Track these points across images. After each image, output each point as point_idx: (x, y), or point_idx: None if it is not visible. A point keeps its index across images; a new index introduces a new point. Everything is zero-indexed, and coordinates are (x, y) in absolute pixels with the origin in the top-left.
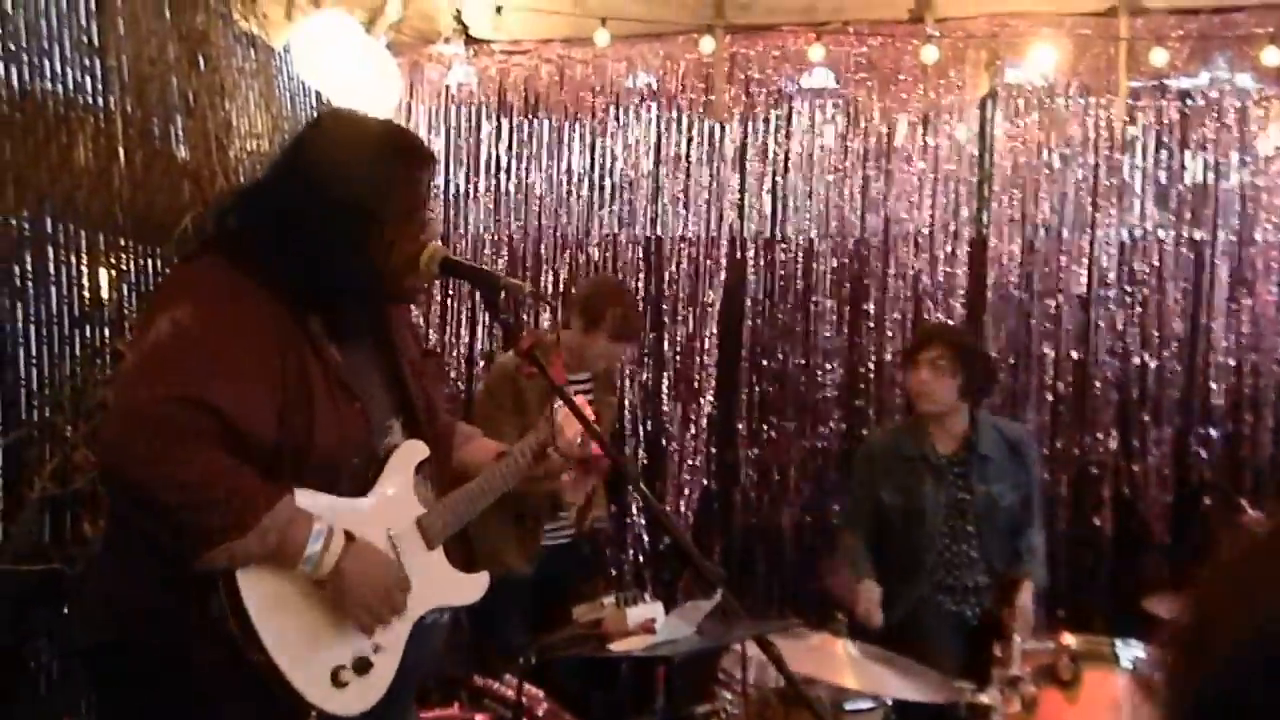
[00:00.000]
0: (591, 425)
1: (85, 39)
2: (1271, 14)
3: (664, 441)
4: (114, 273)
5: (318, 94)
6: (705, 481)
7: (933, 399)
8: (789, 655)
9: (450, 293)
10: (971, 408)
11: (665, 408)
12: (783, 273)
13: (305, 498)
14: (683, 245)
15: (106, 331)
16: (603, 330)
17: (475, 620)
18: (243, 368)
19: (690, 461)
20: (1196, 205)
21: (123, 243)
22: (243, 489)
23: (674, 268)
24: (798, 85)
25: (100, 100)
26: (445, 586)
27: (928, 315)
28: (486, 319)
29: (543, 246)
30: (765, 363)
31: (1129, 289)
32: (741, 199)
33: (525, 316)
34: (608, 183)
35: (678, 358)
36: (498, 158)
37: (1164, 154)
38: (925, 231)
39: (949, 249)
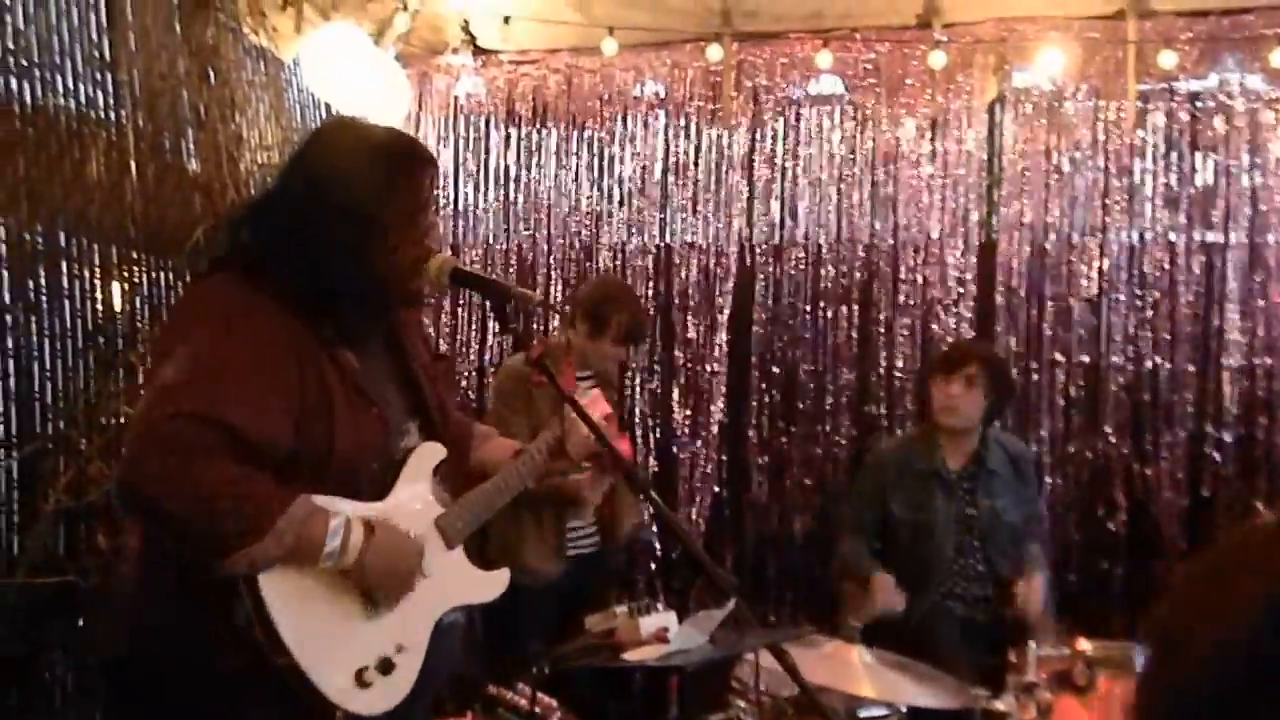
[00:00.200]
0: (601, 430)
1: (97, 54)
2: None
3: (674, 449)
4: (126, 286)
5: (327, 106)
6: (716, 489)
7: (961, 415)
8: (802, 663)
9: (460, 303)
10: (985, 425)
11: (675, 415)
12: (792, 279)
13: (325, 502)
14: (692, 253)
15: (120, 344)
16: (608, 335)
17: (497, 626)
18: (256, 382)
19: (701, 469)
20: (1207, 207)
21: (135, 256)
22: (255, 495)
23: (683, 275)
24: (805, 92)
25: (112, 114)
26: (466, 585)
27: (938, 321)
28: (496, 328)
29: (552, 256)
30: (775, 369)
31: (1140, 292)
32: (750, 206)
33: (535, 325)
34: (616, 191)
35: (687, 365)
36: (506, 167)
37: (1174, 156)
38: (934, 237)
39: (959, 254)
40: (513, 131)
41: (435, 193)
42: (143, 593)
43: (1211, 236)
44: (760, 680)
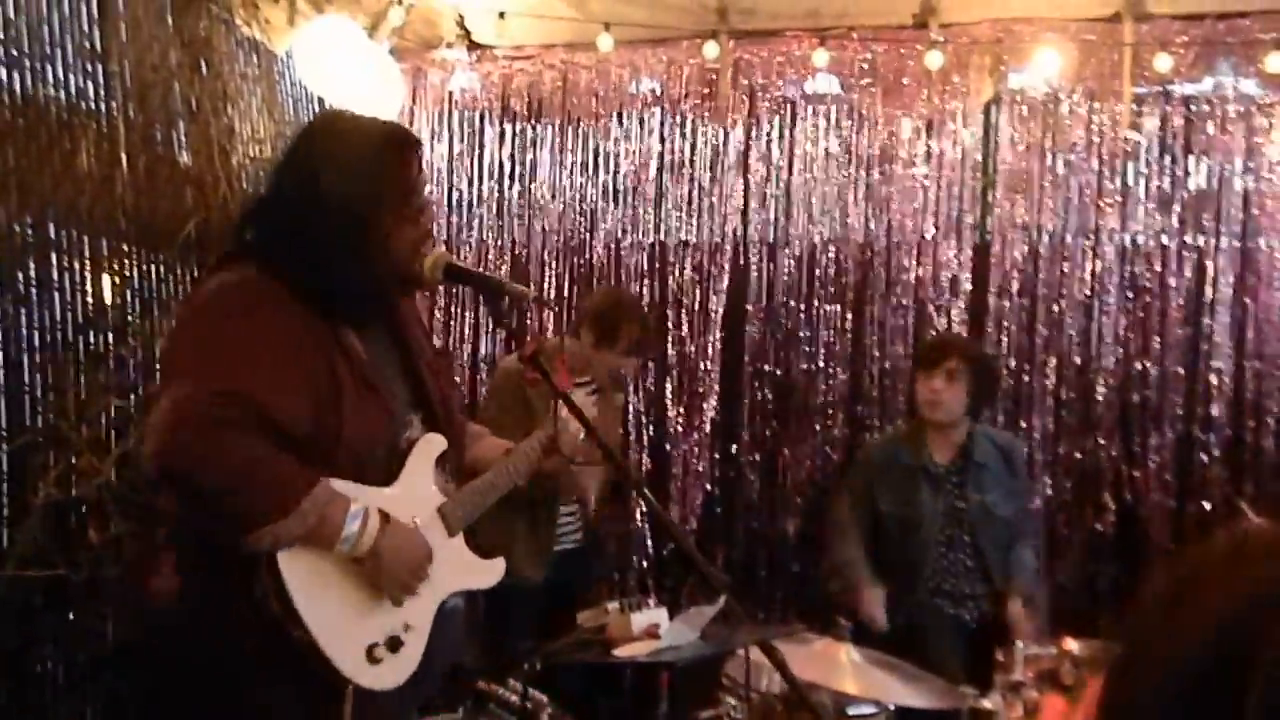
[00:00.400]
0: (594, 427)
1: (88, 45)
2: (1276, 20)
3: (667, 447)
4: (117, 279)
5: (320, 99)
6: (708, 487)
7: (943, 409)
8: (792, 660)
9: (454, 298)
10: (971, 419)
11: (669, 413)
12: (786, 278)
13: (343, 488)
14: (686, 251)
15: (110, 337)
16: (619, 346)
17: (486, 623)
18: (276, 365)
19: (693, 467)
20: (1200, 211)
21: (125, 249)
22: (282, 474)
23: (678, 273)
24: (801, 90)
25: (103, 106)
26: (466, 571)
27: (931, 320)
28: (490, 324)
29: (546, 252)
30: (768, 368)
31: (1131, 294)
32: (745, 204)
33: (528, 322)
34: (611, 188)
35: (681, 363)
36: (501, 163)
37: (1168, 160)
38: (929, 237)
39: (952, 254)
40: (507, 127)
41: (423, 174)
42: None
43: (1204, 240)
44: (750, 677)
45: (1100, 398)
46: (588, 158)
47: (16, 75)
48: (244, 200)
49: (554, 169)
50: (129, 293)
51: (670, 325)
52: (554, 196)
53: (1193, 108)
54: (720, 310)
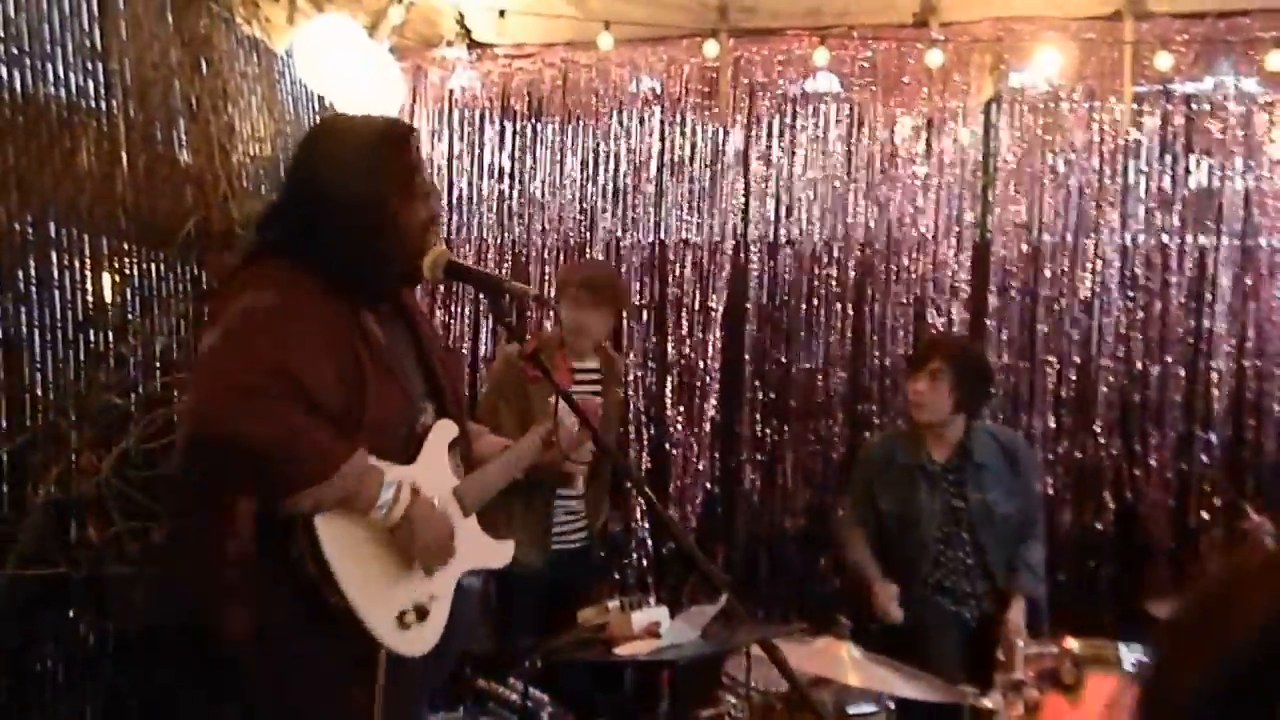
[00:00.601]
0: (592, 423)
1: (88, 43)
2: (1277, 18)
3: (667, 446)
4: (117, 277)
5: (320, 98)
6: (709, 486)
7: (927, 410)
8: (793, 659)
9: (454, 296)
10: (967, 417)
11: (669, 412)
12: (786, 277)
13: (374, 461)
14: (686, 250)
15: (110, 336)
16: (566, 300)
17: (497, 605)
18: (311, 346)
19: (694, 466)
20: (1200, 210)
21: (126, 247)
22: (323, 441)
23: (678, 272)
24: (802, 89)
25: (103, 104)
26: (479, 550)
27: (931, 320)
28: (490, 322)
29: (546, 250)
30: (769, 367)
31: (1132, 293)
32: (745, 203)
33: (528, 320)
34: (611, 187)
35: (681, 362)
36: (501, 162)
37: (1168, 158)
38: (929, 236)
39: (952, 253)
40: (507, 126)
41: (423, 160)
42: (191, 559)
43: (1204, 239)
44: (751, 675)
45: (1100, 396)
46: (588, 156)
47: (17, 73)
48: (255, 209)
49: (554, 167)
50: (129, 291)
51: (670, 324)
52: (554, 195)
53: (1193, 106)
54: (720, 309)
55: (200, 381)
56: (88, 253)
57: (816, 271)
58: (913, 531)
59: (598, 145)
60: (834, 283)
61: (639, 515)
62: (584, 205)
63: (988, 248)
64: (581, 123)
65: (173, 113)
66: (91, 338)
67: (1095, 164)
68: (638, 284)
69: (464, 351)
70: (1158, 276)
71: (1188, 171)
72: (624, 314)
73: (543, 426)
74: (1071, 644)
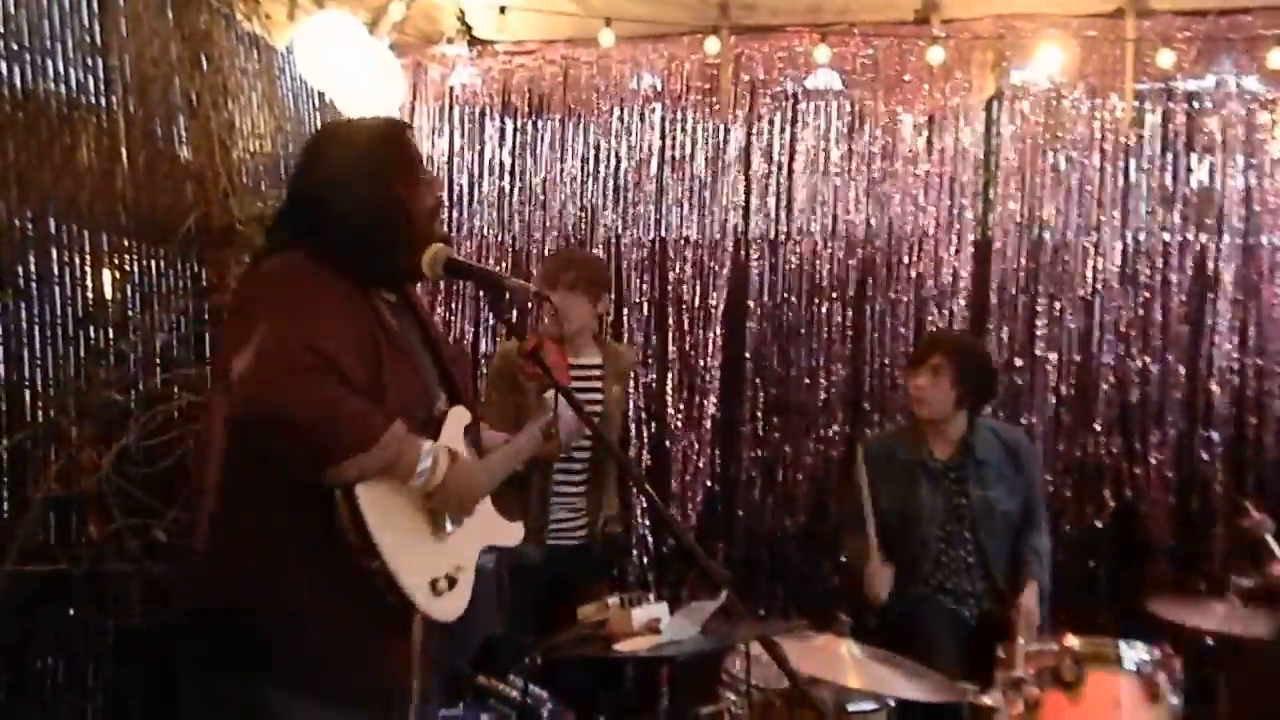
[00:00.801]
0: (592, 421)
1: (88, 39)
2: (1278, 16)
3: (668, 443)
4: (117, 273)
5: (321, 95)
6: (709, 483)
7: (929, 406)
8: (793, 656)
9: (454, 294)
10: (970, 414)
11: (669, 409)
12: (787, 274)
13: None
14: (687, 247)
15: (110, 332)
16: (545, 284)
17: (504, 600)
18: (338, 328)
19: (694, 463)
20: (1201, 208)
21: (126, 243)
22: (364, 412)
23: (678, 269)
24: (803, 86)
25: (103, 100)
26: (495, 528)
27: (932, 317)
28: (490, 320)
29: (546, 248)
30: (769, 364)
31: (1133, 291)
32: (746, 200)
33: (529, 317)
34: (612, 184)
35: (682, 360)
36: (501, 159)
37: (1169, 156)
38: (930, 233)
39: (953, 250)
40: (508, 123)
41: (419, 151)
42: (230, 546)
43: (1205, 237)
44: (751, 672)
45: (1101, 394)
46: (588, 153)
47: (17, 70)
48: (255, 206)
49: (554, 164)
50: (129, 287)
51: (671, 322)
52: (554, 192)
53: (1195, 104)
54: (721, 307)
55: (239, 365)
56: (88, 249)
57: (817, 269)
58: (914, 529)
59: (598, 142)
60: (834, 280)
61: (639, 513)
62: (584, 202)
63: (989, 245)
64: (582, 120)
65: (173, 109)
66: (92, 334)
67: (1096, 161)
68: (638, 281)
69: (465, 348)
70: (1159, 274)
71: (1189, 169)
72: (603, 299)
73: (542, 419)
74: (1072, 641)
